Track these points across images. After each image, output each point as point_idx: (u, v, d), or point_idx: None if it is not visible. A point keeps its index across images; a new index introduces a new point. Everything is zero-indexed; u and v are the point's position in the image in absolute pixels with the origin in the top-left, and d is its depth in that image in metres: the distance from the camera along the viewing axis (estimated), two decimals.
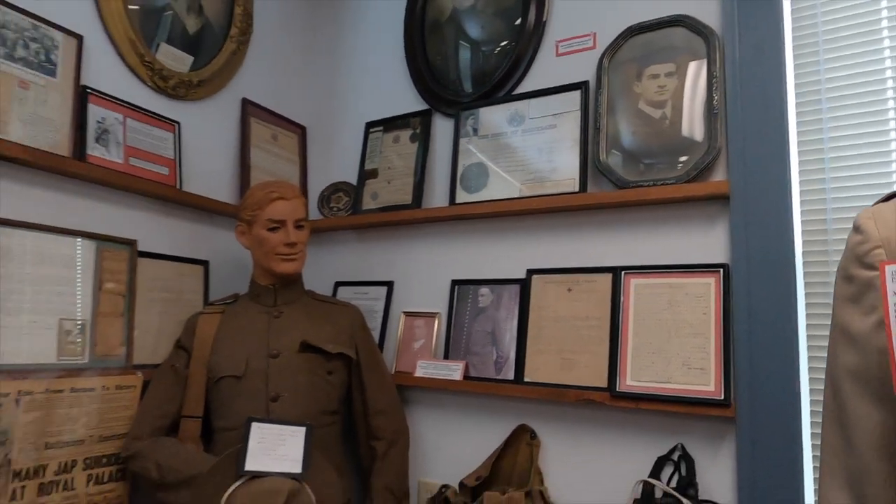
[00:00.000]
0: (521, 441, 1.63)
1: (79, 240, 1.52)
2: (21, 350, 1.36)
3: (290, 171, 2.14)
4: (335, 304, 1.73)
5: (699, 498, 1.37)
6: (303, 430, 1.47)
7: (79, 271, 1.50)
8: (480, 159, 1.80)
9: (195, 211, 1.84)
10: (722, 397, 1.34)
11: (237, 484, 1.36)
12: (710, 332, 1.39)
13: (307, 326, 1.61)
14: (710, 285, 1.42)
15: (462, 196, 1.81)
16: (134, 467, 1.47)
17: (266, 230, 1.59)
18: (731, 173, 1.42)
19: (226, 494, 1.35)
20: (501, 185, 1.75)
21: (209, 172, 1.89)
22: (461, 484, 1.61)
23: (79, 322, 1.48)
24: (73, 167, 1.49)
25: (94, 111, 1.56)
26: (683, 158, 1.49)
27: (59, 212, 1.49)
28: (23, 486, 1.32)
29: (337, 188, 2.11)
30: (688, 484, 1.38)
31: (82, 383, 1.44)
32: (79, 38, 1.54)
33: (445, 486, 1.64)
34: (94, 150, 1.55)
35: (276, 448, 1.44)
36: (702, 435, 1.41)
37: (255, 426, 1.43)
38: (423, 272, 1.90)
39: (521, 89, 1.81)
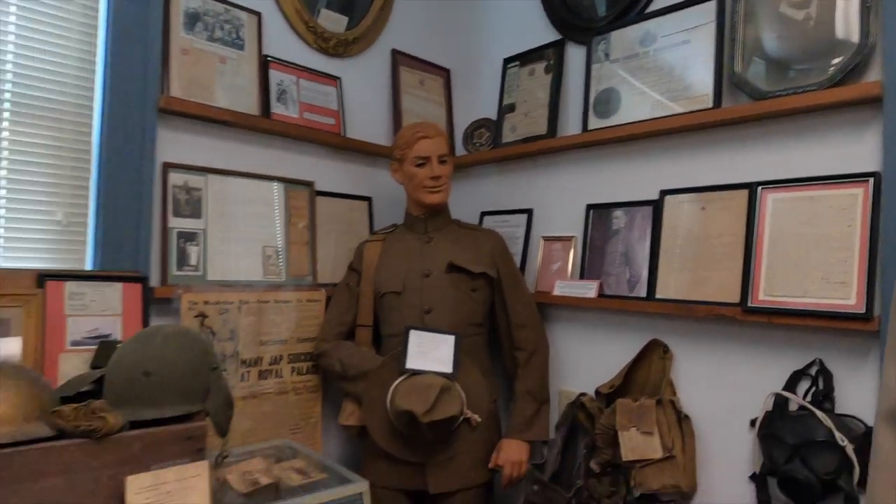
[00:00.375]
0: (654, 354, 1.71)
1: (273, 183, 1.88)
2: (239, 270, 1.77)
3: (437, 113, 2.34)
4: (478, 231, 1.92)
5: (836, 412, 1.36)
6: (452, 337, 1.71)
7: (275, 208, 1.87)
8: (612, 84, 1.83)
9: (358, 154, 2.13)
10: (864, 311, 1.29)
11: (400, 379, 1.66)
12: (854, 244, 1.33)
13: (454, 250, 1.83)
14: (856, 196, 1.34)
15: (594, 122, 1.86)
16: (322, 363, 1.84)
17: (414, 166, 1.81)
18: (886, 73, 1.30)
19: (392, 386, 1.65)
20: (633, 108, 1.77)
21: (367, 119, 2.16)
22: (597, 391, 1.75)
23: (277, 249, 1.86)
24: (262, 124, 1.83)
25: (274, 76, 1.88)
26: (836, 60, 1.38)
27: (257, 161, 1.86)
28: (248, 371, 1.74)
29: (479, 125, 2.26)
30: (824, 397, 1.37)
31: (282, 297, 1.82)
32: (258, 15, 1.85)
33: (583, 394, 1.79)
34: (277, 109, 1.88)
35: (430, 351, 1.71)
36: (841, 349, 1.37)
37: (412, 333, 1.71)
38: (559, 198, 2.00)
39: (653, 7, 1.77)
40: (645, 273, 1.71)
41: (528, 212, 2.09)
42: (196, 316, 1.62)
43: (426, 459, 1.67)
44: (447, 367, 1.69)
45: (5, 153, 1.42)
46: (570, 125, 1.98)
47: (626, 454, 1.57)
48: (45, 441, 1.06)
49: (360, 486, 1.40)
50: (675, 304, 1.61)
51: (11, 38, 1.44)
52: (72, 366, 1.39)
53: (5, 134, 1.42)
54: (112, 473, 1.11)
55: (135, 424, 1.17)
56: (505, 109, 2.16)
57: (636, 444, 1.57)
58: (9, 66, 1.43)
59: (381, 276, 1.83)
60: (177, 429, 1.20)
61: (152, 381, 1.21)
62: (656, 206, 1.71)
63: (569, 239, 1.94)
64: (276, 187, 1.89)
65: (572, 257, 1.92)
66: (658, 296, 1.66)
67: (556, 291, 1.88)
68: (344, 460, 1.98)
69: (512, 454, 1.73)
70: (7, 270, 1.37)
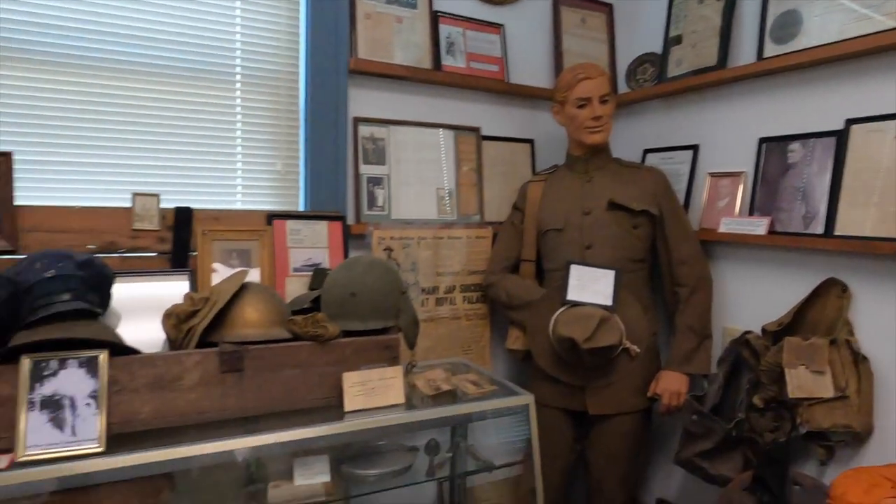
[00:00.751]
0: (830, 293, 1.63)
1: (443, 131, 2.07)
2: (416, 210, 2.01)
3: (598, 51, 2.34)
4: (640, 168, 1.94)
5: None
6: (612, 272, 1.80)
7: (444, 154, 2.06)
8: (794, 5, 1.69)
9: (521, 98, 2.23)
10: None
11: (562, 309, 1.79)
12: None
13: (614, 188, 1.88)
14: None
15: (771, 49, 1.75)
16: (490, 293, 2.04)
17: (575, 108, 1.86)
18: None
19: (554, 315, 1.80)
20: (817, 31, 1.63)
21: (529, 64, 2.24)
22: (763, 329, 1.73)
23: (448, 190, 2.06)
24: (434, 76, 2.01)
25: (443, 30, 2.03)
26: None
27: (429, 111, 2.05)
28: (426, 299, 2.00)
29: (642, 60, 2.22)
30: None
31: (454, 234, 2.04)
32: None
33: (748, 332, 1.78)
34: (446, 60, 2.04)
35: (590, 285, 1.81)
36: None
37: (573, 268, 1.82)
38: (728, 133, 1.93)
39: None
40: (823, 209, 1.62)
41: (694, 147, 2.04)
42: (384, 249, 1.90)
43: (586, 383, 1.81)
44: (607, 301, 1.78)
45: (239, 117, 1.77)
46: (743, 55, 1.88)
47: (793, 391, 1.56)
48: (284, 342, 1.38)
49: (527, 398, 1.59)
50: (858, 242, 1.52)
51: (238, 20, 1.75)
52: (293, 287, 1.74)
53: (239, 101, 1.76)
54: (332, 370, 1.41)
55: (346, 333, 1.46)
56: (671, 42, 2.10)
57: (804, 382, 1.56)
58: (238, 45, 1.75)
59: (543, 215, 1.95)
60: (377, 339, 1.47)
61: (357, 300, 1.49)
62: (840, 137, 1.60)
63: (738, 174, 1.88)
64: (446, 134, 2.07)
65: (741, 193, 1.86)
66: (837, 233, 1.58)
67: (722, 228, 1.85)
68: (510, 379, 2.19)
69: (670, 384, 1.80)
70: (246, 212, 1.73)
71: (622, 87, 2.32)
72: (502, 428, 1.90)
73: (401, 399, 1.45)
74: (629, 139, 2.31)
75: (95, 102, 1.60)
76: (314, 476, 1.49)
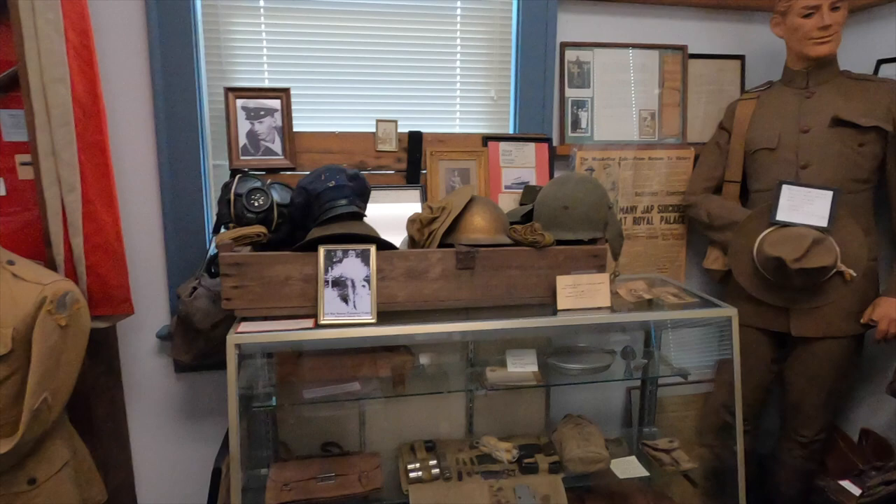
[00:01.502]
0: None
1: (648, 51, 2.08)
2: (618, 131, 2.08)
3: None
4: (871, 81, 1.79)
5: None
6: (830, 193, 1.73)
7: (649, 74, 2.08)
8: None
9: (731, 12, 2.13)
10: None
11: (769, 230, 1.78)
12: None
13: (840, 103, 1.77)
14: None
15: None
16: (690, 213, 2.07)
17: (800, 17, 1.76)
18: None
19: (760, 235, 1.79)
20: None
21: None
22: None
23: (651, 111, 2.09)
24: None
25: None
26: None
27: (635, 32, 2.06)
28: (624, 217, 2.10)
29: None
30: None
31: (654, 154, 2.08)
32: None
33: None
34: None
35: (803, 206, 1.77)
36: None
37: (785, 188, 1.78)
38: None
39: None
40: None
41: None
42: (586, 169, 2.01)
43: (790, 305, 1.80)
44: (822, 222, 1.73)
45: (459, 49, 1.96)
46: None
47: None
48: (507, 246, 1.59)
49: (730, 310, 1.65)
50: None
51: None
52: (504, 203, 1.94)
53: (458, 35, 1.95)
54: (547, 273, 1.60)
55: (557, 242, 1.63)
56: None
57: None
58: None
59: (753, 134, 1.91)
60: (587, 248, 1.63)
61: (569, 213, 1.64)
62: None
63: None
64: (651, 54, 2.08)
65: None
66: None
67: None
68: None
69: (890, 311, 1.73)
70: (465, 135, 1.95)
71: None
72: (694, 344, 1.98)
73: (607, 302, 1.61)
74: (859, 49, 2.09)
75: (348, 43, 1.89)
76: (524, 365, 1.73)
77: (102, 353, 1.75)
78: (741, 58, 2.16)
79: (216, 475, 1.56)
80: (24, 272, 1.29)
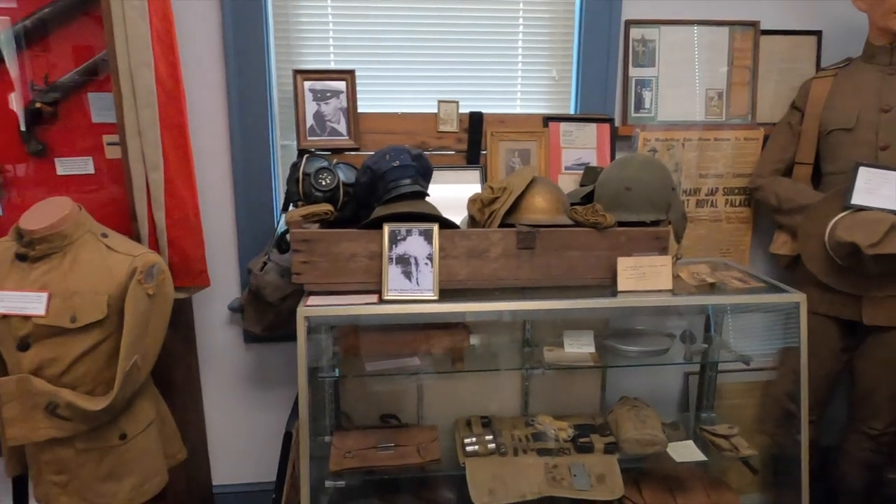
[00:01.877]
0: None
1: (718, 28, 2.01)
2: (682, 111, 2.03)
3: None
4: None
5: None
6: None
7: (718, 52, 2.01)
8: None
9: None
10: None
11: (843, 214, 1.71)
12: None
13: None
14: None
15: None
16: (758, 196, 2.01)
17: None
18: None
19: (833, 220, 1.73)
20: None
21: None
22: None
23: (718, 91, 2.03)
24: None
25: None
26: None
27: (705, 8, 1.99)
28: (687, 199, 2.05)
29: None
30: None
31: (721, 135, 2.02)
32: None
33: None
34: None
35: (881, 189, 1.69)
36: None
37: (862, 170, 1.71)
38: None
39: None
40: None
41: None
42: (649, 150, 1.98)
43: (863, 292, 1.73)
44: None
45: (521, 28, 1.96)
46: None
47: None
48: (568, 227, 1.60)
49: (798, 296, 1.61)
50: None
51: None
52: (564, 184, 1.93)
53: (521, 15, 1.95)
54: (608, 254, 1.60)
55: (619, 224, 1.62)
56: None
57: None
58: None
59: (829, 113, 1.83)
60: (649, 230, 1.61)
61: (631, 194, 1.63)
62: None
63: None
64: (720, 31, 2.01)
65: None
66: None
67: None
68: None
69: None
70: (525, 115, 1.95)
71: None
72: (757, 330, 1.93)
73: (669, 285, 1.59)
74: None
75: (411, 24, 1.92)
76: (581, 346, 1.74)
77: (180, 323, 1.86)
78: (818, 33, 2.06)
79: (287, 439, 1.65)
80: (116, 244, 1.40)
